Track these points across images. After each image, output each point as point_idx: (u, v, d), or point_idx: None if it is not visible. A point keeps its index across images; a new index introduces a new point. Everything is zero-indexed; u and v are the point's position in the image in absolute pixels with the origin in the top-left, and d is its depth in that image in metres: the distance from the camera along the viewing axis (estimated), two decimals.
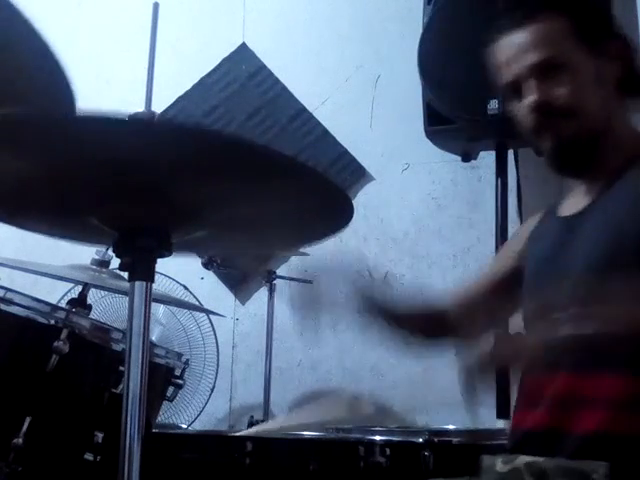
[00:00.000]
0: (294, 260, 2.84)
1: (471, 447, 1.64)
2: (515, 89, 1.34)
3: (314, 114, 3.02)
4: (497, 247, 2.35)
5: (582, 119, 1.29)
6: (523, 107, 1.33)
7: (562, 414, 1.19)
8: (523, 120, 1.34)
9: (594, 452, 1.12)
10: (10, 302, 1.69)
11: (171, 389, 1.99)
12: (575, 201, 1.38)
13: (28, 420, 1.61)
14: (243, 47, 3.17)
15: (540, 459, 1.15)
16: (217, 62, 3.18)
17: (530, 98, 1.30)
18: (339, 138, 2.97)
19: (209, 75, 3.19)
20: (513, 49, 1.32)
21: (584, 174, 1.36)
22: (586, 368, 1.19)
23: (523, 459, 1.17)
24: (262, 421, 2.43)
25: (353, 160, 2.95)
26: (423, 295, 1.64)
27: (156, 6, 1.44)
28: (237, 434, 1.79)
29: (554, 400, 1.21)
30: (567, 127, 1.29)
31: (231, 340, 2.97)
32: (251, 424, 2.42)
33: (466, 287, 1.61)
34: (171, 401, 2.04)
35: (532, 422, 1.24)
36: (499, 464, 1.20)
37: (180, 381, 2.00)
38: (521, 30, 1.32)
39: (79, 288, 2.08)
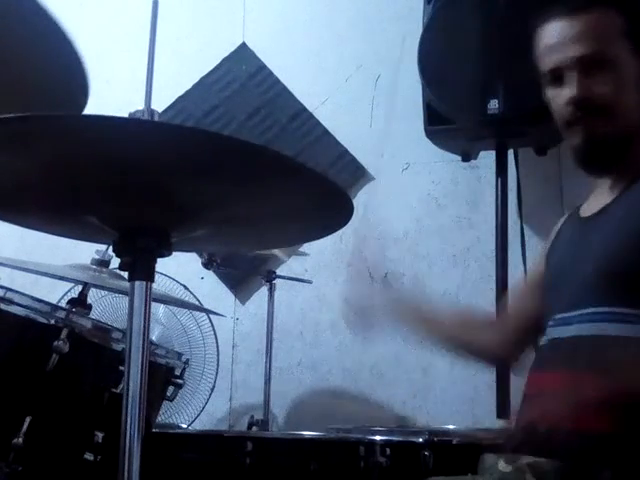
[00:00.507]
0: (294, 260, 2.84)
1: (471, 447, 1.64)
2: (556, 77, 1.32)
3: (314, 114, 3.02)
4: (497, 247, 2.35)
5: (618, 119, 1.29)
6: (561, 97, 1.32)
7: (565, 413, 1.18)
8: (558, 110, 1.33)
9: (598, 452, 1.12)
10: (10, 302, 1.69)
11: (171, 389, 1.99)
12: (597, 201, 1.37)
13: (28, 420, 1.61)
14: (243, 47, 3.17)
15: (543, 460, 1.14)
16: (217, 62, 3.18)
17: (570, 90, 1.29)
18: (339, 138, 2.97)
19: (209, 75, 3.19)
20: (561, 37, 1.31)
21: (608, 173, 1.36)
22: (588, 367, 1.19)
23: (526, 459, 1.16)
24: (262, 421, 2.43)
25: (353, 160, 2.95)
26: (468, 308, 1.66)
27: (155, 3, 1.44)
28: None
29: (555, 398, 1.20)
30: (601, 125, 1.29)
31: (231, 340, 2.97)
32: (251, 424, 2.42)
33: (507, 311, 1.60)
34: (171, 401, 2.04)
35: (535, 420, 1.23)
36: (502, 463, 1.20)
37: (180, 381, 2.00)
38: (572, 19, 1.30)
39: (79, 288, 2.07)
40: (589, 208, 1.40)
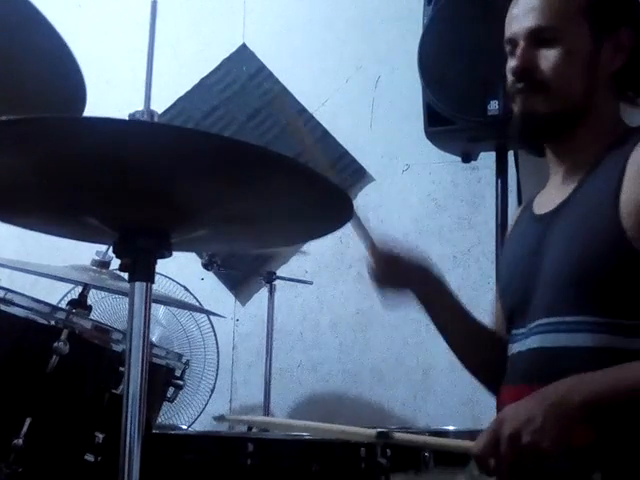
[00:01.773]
0: (294, 261, 2.84)
1: None
2: (512, 48, 1.31)
3: (314, 115, 3.02)
4: (497, 248, 2.35)
5: (557, 98, 1.26)
6: (508, 67, 1.31)
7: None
8: (507, 79, 1.32)
9: (582, 461, 1.10)
10: (10, 303, 1.68)
11: (171, 390, 1.99)
12: (551, 197, 1.34)
13: (28, 421, 1.61)
14: (243, 48, 3.17)
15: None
16: (217, 63, 3.18)
17: (515, 60, 1.28)
18: (339, 139, 2.97)
19: (209, 76, 3.19)
20: (522, 8, 1.29)
21: (555, 153, 1.33)
22: (557, 378, 1.15)
23: None
24: None
25: (353, 161, 2.95)
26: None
27: (154, 4, 1.44)
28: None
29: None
30: (538, 101, 1.26)
31: (231, 341, 2.97)
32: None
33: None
34: (171, 402, 2.03)
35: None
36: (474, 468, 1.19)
37: (180, 382, 2.00)
38: None
39: (79, 289, 2.07)
40: (544, 204, 1.35)
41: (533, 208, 1.39)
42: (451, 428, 2.12)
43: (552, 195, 1.34)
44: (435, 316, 1.48)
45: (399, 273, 1.45)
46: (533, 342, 1.24)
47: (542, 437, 1.03)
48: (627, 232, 1.16)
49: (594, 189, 1.24)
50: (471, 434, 1.88)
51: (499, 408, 1.29)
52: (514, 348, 1.30)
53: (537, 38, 1.27)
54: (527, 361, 1.25)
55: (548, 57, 1.25)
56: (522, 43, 1.27)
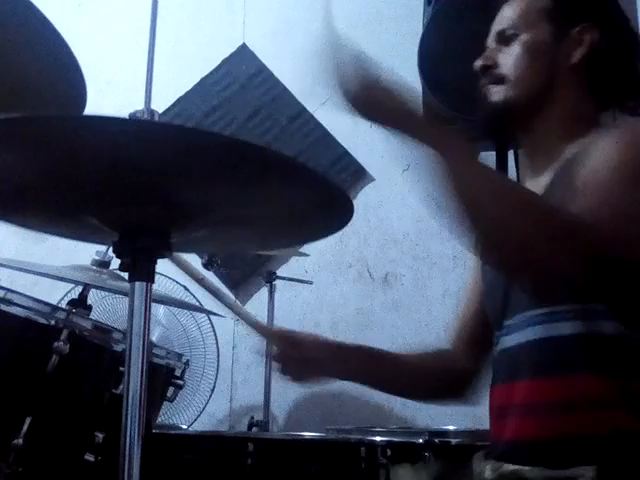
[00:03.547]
0: (294, 261, 2.84)
1: (471, 448, 1.64)
2: None
3: (314, 115, 3.02)
4: None
5: (512, 89, 1.32)
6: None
7: (532, 421, 1.17)
8: None
9: (578, 455, 1.10)
10: (10, 303, 1.68)
11: (171, 390, 1.99)
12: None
13: (28, 421, 1.61)
14: (243, 48, 3.17)
15: (526, 468, 1.12)
16: (217, 63, 3.18)
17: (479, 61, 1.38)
18: (339, 139, 2.97)
19: (209, 76, 3.19)
20: (499, 16, 1.39)
21: (507, 145, 1.38)
22: (551, 371, 1.17)
23: (508, 467, 1.15)
24: (263, 422, 2.43)
25: (353, 161, 2.95)
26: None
27: (155, 4, 1.44)
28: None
29: (522, 408, 1.19)
30: (496, 91, 1.35)
31: (231, 341, 2.97)
32: (251, 425, 2.42)
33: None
34: (171, 402, 2.03)
35: (506, 433, 1.21)
36: (487, 471, 1.19)
37: (180, 382, 2.00)
38: (509, 3, 1.39)
39: (79, 289, 2.07)
40: None
41: None
42: (451, 428, 2.12)
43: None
44: (365, 380, 1.53)
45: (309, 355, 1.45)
46: (518, 338, 1.24)
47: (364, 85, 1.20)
48: None
49: (562, 184, 1.25)
50: (471, 434, 1.88)
51: (491, 409, 1.29)
52: (500, 345, 1.30)
53: (501, 39, 1.37)
54: (514, 357, 1.25)
55: (507, 52, 1.35)
56: (490, 45, 1.39)
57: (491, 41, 1.38)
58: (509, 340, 1.26)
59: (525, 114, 1.32)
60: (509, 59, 1.34)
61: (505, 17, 1.37)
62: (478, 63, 1.38)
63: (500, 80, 1.34)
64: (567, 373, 1.15)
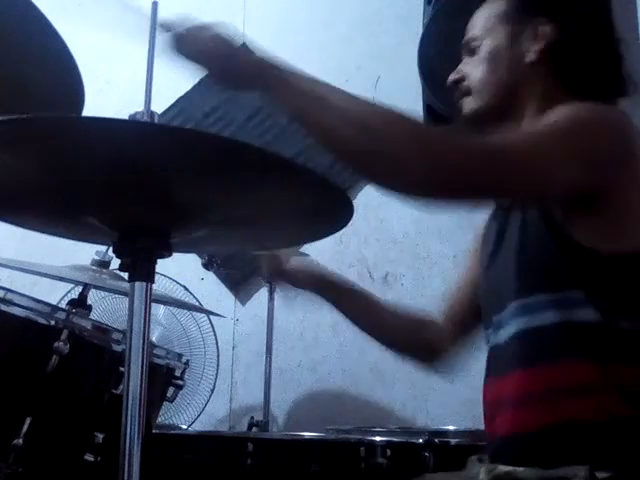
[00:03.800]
0: (294, 260, 2.84)
1: (471, 448, 1.64)
2: None
3: None
4: None
5: (478, 98, 1.33)
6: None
7: (525, 412, 1.17)
8: None
9: (573, 446, 1.10)
10: (10, 303, 1.68)
11: (171, 390, 1.99)
12: None
13: (28, 421, 1.61)
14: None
15: (519, 469, 1.12)
16: None
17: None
18: None
19: (209, 76, 3.18)
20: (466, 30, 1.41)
21: None
22: (537, 361, 1.17)
23: (502, 469, 1.15)
24: (262, 422, 2.43)
25: None
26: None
27: (155, 5, 1.44)
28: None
29: (514, 400, 1.19)
30: (465, 103, 1.35)
31: (231, 341, 2.97)
32: (251, 425, 2.42)
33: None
34: (171, 402, 2.03)
35: (500, 428, 1.21)
36: (482, 474, 1.19)
37: (180, 382, 2.00)
38: (481, 8, 1.40)
39: (79, 289, 2.07)
40: None
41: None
42: (451, 428, 2.12)
43: None
44: (347, 312, 1.62)
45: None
46: (505, 332, 1.25)
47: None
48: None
49: None
50: (471, 434, 1.88)
51: (485, 404, 1.29)
52: (490, 343, 1.31)
53: (467, 50, 1.38)
54: (503, 352, 1.25)
55: (471, 63, 1.36)
56: (463, 57, 1.39)
57: (462, 54, 1.39)
58: (498, 336, 1.27)
59: (496, 119, 1.33)
60: (473, 70, 1.35)
61: (470, 27, 1.39)
62: (450, 78, 1.38)
63: (467, 92, 1.35)
64: (552, 361, 1.16)
